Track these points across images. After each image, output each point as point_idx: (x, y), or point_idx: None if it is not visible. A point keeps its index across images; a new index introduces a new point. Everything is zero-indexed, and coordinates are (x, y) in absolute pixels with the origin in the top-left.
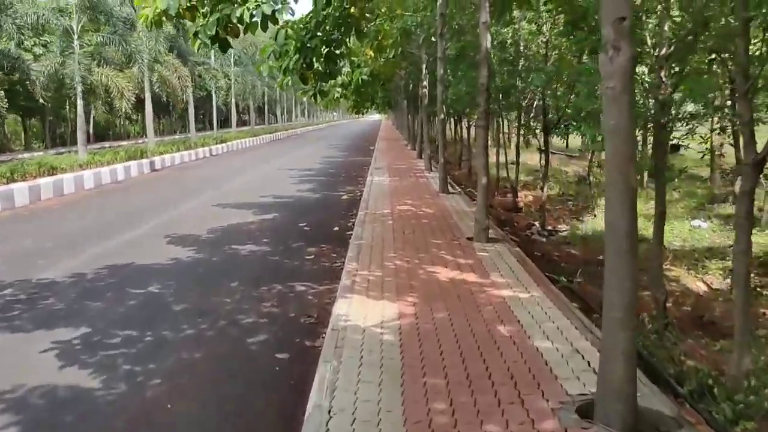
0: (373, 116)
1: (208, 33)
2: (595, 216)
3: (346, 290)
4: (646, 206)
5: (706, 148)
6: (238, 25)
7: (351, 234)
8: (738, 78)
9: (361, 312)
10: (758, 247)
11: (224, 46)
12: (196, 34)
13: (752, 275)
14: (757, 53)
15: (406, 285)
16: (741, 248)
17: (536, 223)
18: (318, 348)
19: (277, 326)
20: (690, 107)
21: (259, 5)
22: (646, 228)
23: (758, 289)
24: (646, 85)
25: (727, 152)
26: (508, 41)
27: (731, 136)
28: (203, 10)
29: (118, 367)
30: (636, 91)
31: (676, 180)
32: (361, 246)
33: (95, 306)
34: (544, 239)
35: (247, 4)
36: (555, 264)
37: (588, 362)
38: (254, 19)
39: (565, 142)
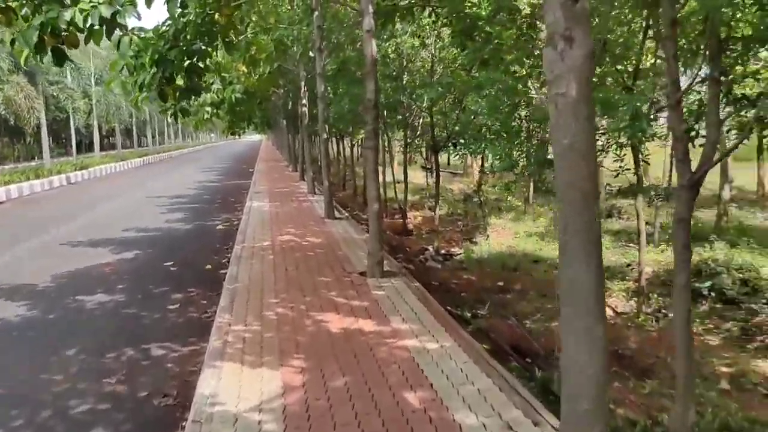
0: (253, 137)
1: (29, 41)
2: (487, 237)
3: (215, 355)
4: (535, 224)
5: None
6: (76, 32)
7: (226, 273)
8: (669, 86)
9: (234, 388)
10: (657, 265)
11: (60, 58)
12: (13, 42)
13: (655, 295)
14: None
15: (291, 342)
16: (681, 283)
17: (430, 248)
18: None
19: (122, 414)
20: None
21: (96, 6)
22: (541, 248)
23: (663, 311)
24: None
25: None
26: (391, 56)
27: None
28: (22, 13)
29: None
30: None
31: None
32: (236, 290)
33: None
34: (439, 265)
35: (78, 5)
36: (455, 294)
37: None
38: (92, 26)
39: (448, 158)
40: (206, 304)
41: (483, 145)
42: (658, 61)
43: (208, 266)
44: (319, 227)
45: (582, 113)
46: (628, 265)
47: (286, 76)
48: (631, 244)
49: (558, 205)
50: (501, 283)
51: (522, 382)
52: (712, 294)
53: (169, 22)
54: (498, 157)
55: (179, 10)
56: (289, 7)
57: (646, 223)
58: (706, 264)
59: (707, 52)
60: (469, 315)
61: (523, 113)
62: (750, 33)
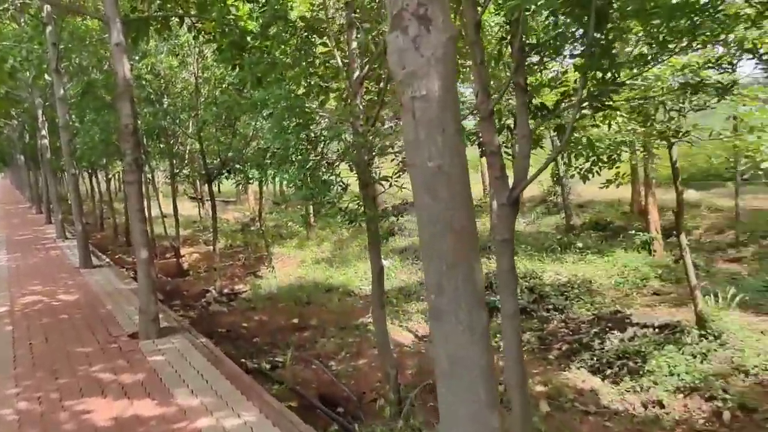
0: None
1: None
2: (272, 268)
3: None
4: (320, 249)
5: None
6: None
7: None
8: (479, 95)
9: None
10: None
11: None
12: None
13: None
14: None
15: None
16: (509, 312)
17: (212, 289)
18: None
19: None
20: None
21: None
22: (331, 276)
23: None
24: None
25: None
26: (147, 77)
27: None
28: None
29: None
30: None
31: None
32: None
33: None
34: (225, 308)
35: None
36: (247, 341)
37: None
38: None
39: (218, 186)
40: None
41: (267, 172)
42: None
43: None
44: (73, 280)
45: (450, 124)
46: (422, 282)
47: (18, 104)
48: (418, 261)
49: (424, 257)
50: (296, 320)
51: None
52: None
53: None
54: (292, 184)
55: None
56: (15, 25)
57: None
58: (493, 275)
59: (509, 58)
60: (268, 367)
61: (311, 135)
62: (541, 40)
